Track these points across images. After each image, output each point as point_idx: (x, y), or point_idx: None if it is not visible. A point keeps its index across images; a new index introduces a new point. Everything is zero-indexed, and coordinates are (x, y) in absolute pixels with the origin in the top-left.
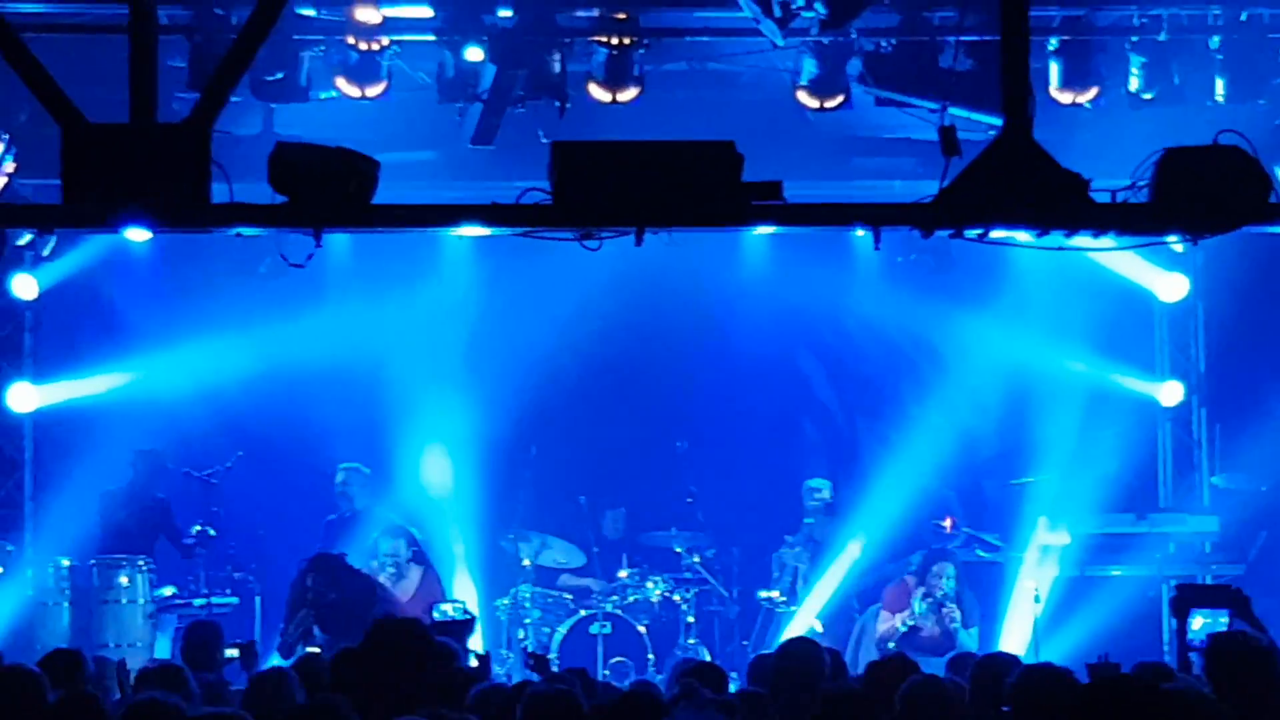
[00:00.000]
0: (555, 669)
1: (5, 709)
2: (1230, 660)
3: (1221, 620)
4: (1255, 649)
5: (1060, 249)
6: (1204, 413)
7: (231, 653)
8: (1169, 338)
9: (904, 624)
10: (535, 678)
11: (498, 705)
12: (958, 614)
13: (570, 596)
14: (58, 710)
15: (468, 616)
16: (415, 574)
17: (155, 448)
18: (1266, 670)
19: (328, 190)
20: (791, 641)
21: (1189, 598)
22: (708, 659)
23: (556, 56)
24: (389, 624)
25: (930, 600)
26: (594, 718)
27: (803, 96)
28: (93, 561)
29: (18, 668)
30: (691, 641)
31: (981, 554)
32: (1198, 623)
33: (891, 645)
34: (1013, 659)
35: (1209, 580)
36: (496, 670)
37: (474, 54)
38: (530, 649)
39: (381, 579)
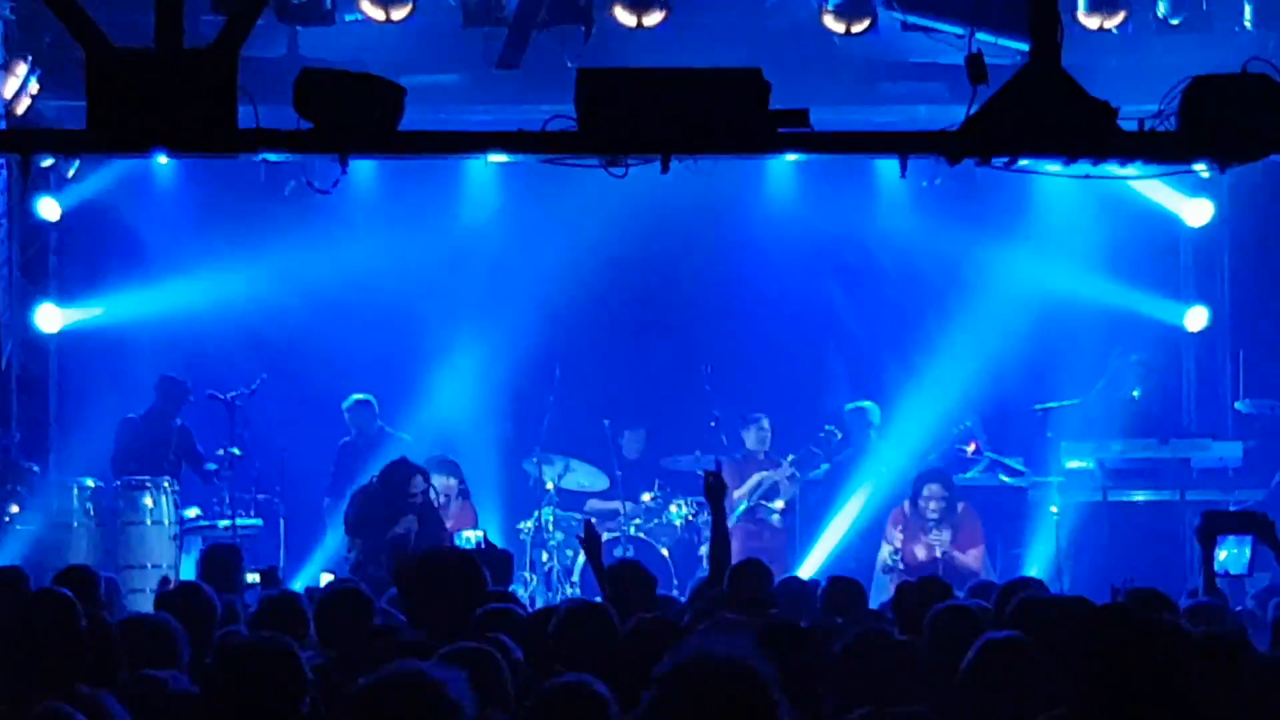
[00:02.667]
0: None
1: (40, 633)
2: None
3: (1246, 548)
4: None
5: (1087, 177)
6: (1228, 337)
7: (253, 577)
8: (1194, 263)
9: (891, 556)
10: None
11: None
12: (944, 536)
13: (594, 520)
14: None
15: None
16: (457, 508)
17: (179, 376)
18: None
19: (353, 116)
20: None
21: (1215, 524)
22: None
23: None
24: (443, 554)
25: (920, 524)
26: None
27: (829, 20)
28: (117, 483)
29: (51, 591)
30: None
31: (1005, 479)
32: (1222, 554)
33: (885, 576)
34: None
35: (1231, 506)
36: (519, 592)
37: None
38: (581, 534)
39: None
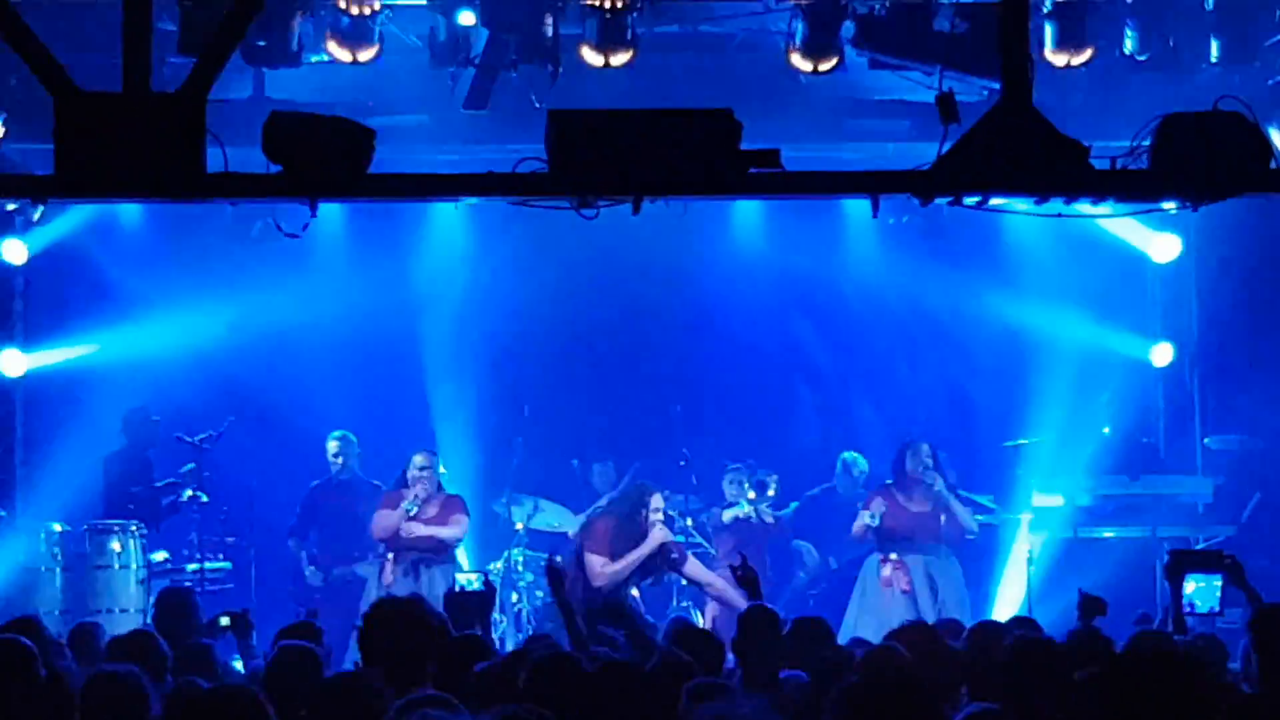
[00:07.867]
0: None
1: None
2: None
3: (1215, 583)
4: None
5: (1059, 215)
6: (1197, 373)
7: (224, 621)
8: (1161, 299)
9: (873, 515)
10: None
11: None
12: (938, 479)
13: (559, 558)
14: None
15: (487, 589)
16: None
17: (141, 404)
18: None
19: (323, 160)
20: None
21: (1182, 563)
22: (700, 621)
23: (549, 20)
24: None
25: (911, 484)
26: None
27: (796, 59)
28: (85, 527)
29: (9, 640)
30: (685, 604)
31: (976, 516)
32: (1190, 586)
33: (874, 522)
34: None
35: (1202, 542)
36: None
37: (466, 18)
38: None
39: (418, 490)
